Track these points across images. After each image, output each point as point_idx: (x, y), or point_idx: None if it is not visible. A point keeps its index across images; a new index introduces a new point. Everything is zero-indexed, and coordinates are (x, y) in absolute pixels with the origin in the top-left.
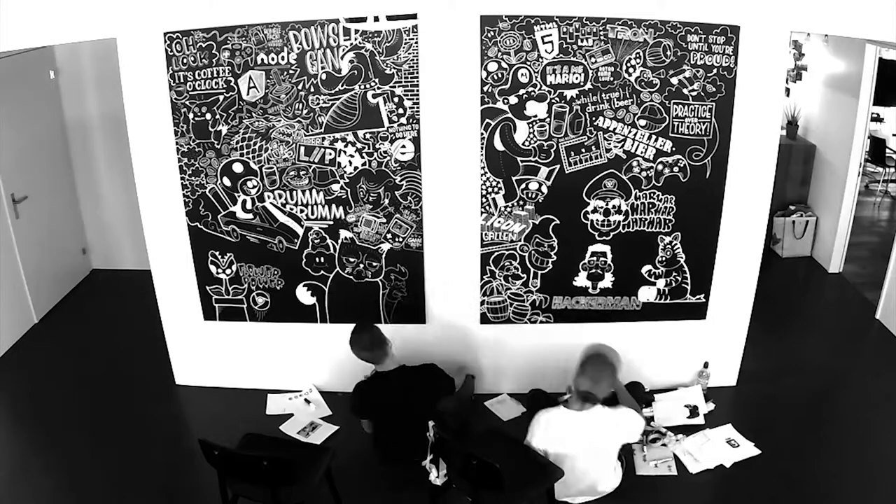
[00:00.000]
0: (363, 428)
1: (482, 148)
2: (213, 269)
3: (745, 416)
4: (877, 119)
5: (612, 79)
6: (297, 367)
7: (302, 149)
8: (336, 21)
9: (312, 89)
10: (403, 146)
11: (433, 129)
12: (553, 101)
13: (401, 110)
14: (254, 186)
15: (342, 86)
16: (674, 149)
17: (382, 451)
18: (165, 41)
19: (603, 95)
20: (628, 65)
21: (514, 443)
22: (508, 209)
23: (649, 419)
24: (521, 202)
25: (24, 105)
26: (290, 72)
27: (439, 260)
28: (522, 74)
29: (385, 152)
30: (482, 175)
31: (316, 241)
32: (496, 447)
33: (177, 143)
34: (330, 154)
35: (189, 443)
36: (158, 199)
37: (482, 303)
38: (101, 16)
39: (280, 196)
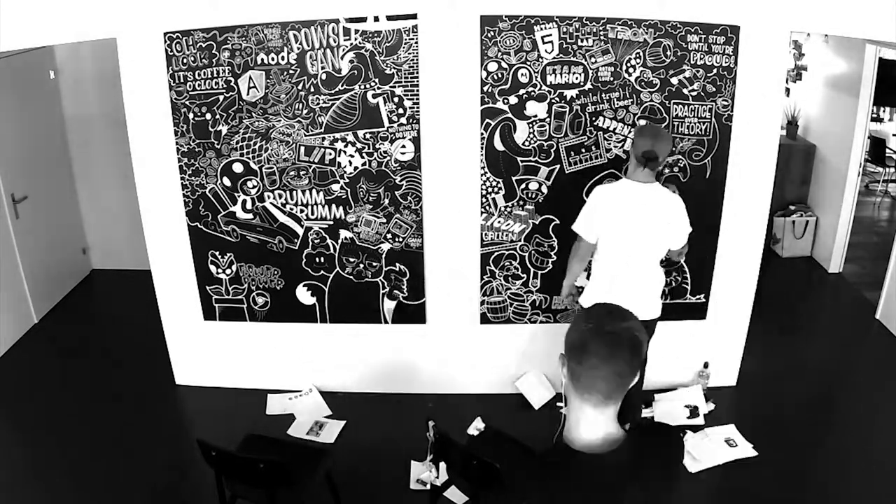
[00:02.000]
0: None
1: (482, 148)
2: (213, 269)
3: (745, 416)
4: (877, 119)
5: (612, 79)
6: (297, 367)
7: (302, 149)
8: (336, 21)
9: (312, 89)
10: (403, 146)
11: (433, 129)
12: (553, 101)
13: (401, 110)
14: (254, 186)
15: (342, 86)
16: (674, 149)
17: None
18: (165, 41)
19: (603, 95)
20: (628, 65)
21: (515, 442)
22: (508, 209)
23: (650, 419)
24: (521, 202)
25: (24, 105)
26: (290, 72)
27: (439, 260)
28: (522, 74)
29: (385, 152)
30: (482, 175)
31: (316, 241)
32: (496, 447)
33: (177, 143)
34: (330, 154)
35: (189, 443)
36: (158, 199)
37: (482, 303)
38: (101, 16)
39: (280, 196)
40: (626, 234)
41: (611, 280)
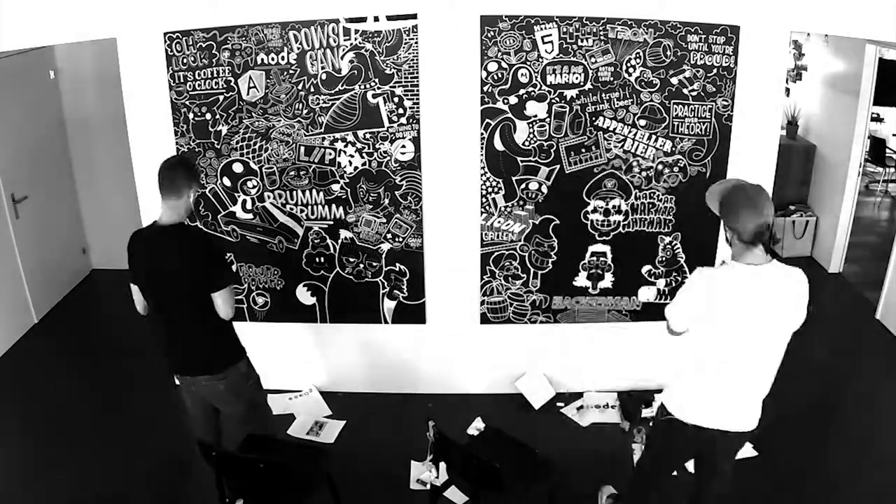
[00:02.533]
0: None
1: (482, 148)
2: None
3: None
4: (877, 119)
5: (612, 79)
6: (297, 367)
7: (302, 149)
8: (336, 21)
9: (312, 89)
10: (403, 146)
11: (433, 129)
12: (553, 101)
13: (401, 110)
14: (254, 186)
15: (342, 86)
16: (674, 149)
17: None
18: (165, 41)
19: (603, 95)
20: (628, 65)
21: (515, 442)
22: (508, 209)
23: (649, 419)
24: (521, 202)
25: (24, 105)
26: (290, 72)
27: (439, 260)
28: (522, 74)
29: (385, 152)
30: (482, 175)
31: (316, 241)
32: (496, 447)
33: (177, 143)
34: (330, 154)
35: (189, 443)
36: (158, 200)
37: (482, 303)
38: (101, 16)
39: (280, 196)
40: (747, 336)
41: (704, 380)
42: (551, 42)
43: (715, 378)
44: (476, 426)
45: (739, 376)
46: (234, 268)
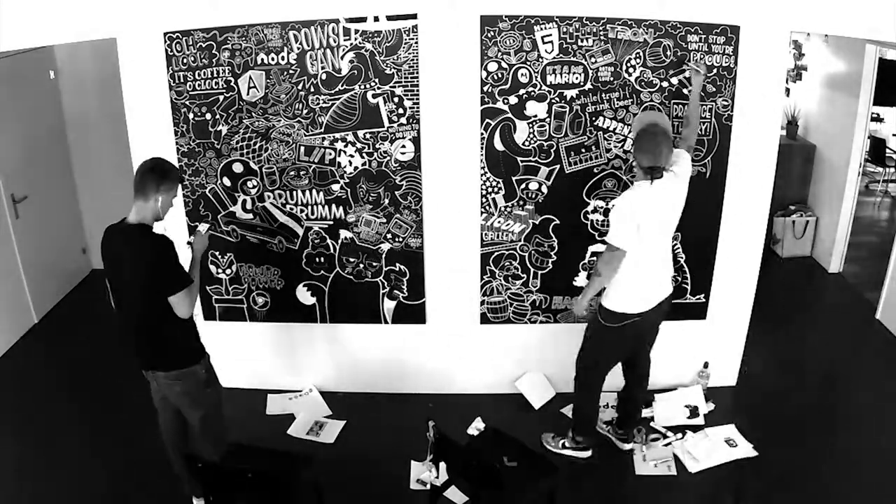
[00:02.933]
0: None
1: (482, 148)
2: (213, 269)
3: (745, 417)
4: (877, 119)
5: (612, 79)
6: (297, 367)
7: (302, 149)
8: (336, 21)
9: (312, 89)
10: (403, 146)
11: (433, 129)
12: (553, 101)
13: (401, 110)
14: (254, 186)
15: (342, 86)
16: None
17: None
18: (165, 41)
19: (603, 95)
20: (628, 65)
21: (515, 442)
22: (508, 209)
23: (649, 419)
24: (521, 202)
25: (24, 105)
26: (290, 72)
27: (439, 260)
28: (522, 74)
29: (385, 152)
30: (482, 175)
31: (316, 241)
32: (496, 447)
33: (177, 143)
34: (330, 154)
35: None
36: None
37: (482, 303)
38: (101, 16)
39: (280, 196)
40: (658, 232)
41: (637, 274)
42: (551, 42)
43: (644, 271)
44: (476, 426)
45: (660, 260)
46: (234, 268)
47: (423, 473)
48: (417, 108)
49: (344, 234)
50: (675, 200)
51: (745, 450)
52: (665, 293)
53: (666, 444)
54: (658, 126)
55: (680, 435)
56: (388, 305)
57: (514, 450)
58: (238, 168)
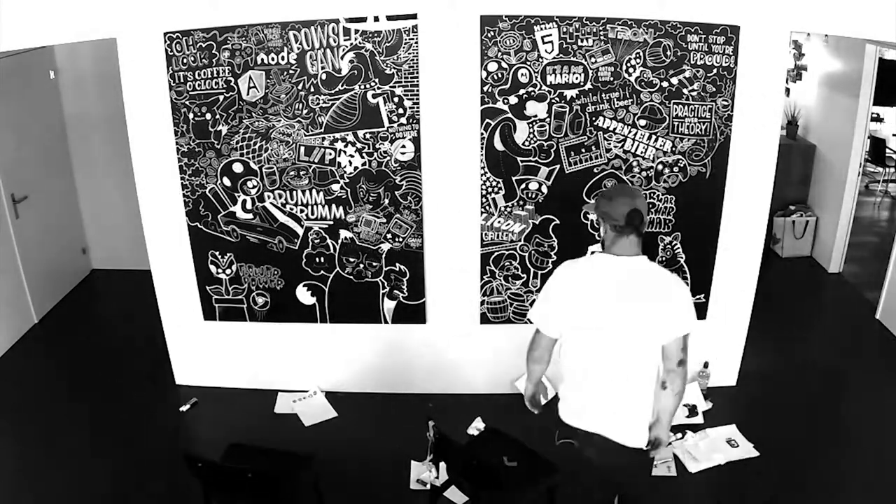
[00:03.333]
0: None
1: (482, 148)
2: (213, 269)
3: (745, 416)
4: (877, 119)
5: (612, 79)
6: (297, 367)
7: (302, 149)
8: (336, 21)
9: (312, 89)
10: (403, 146)
11: (433, 129)
12: (553, 101)
13: (401, 110)
14: (254, 186)
15: (342, 86)
16: (674, 149)
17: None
18: (165, 41)
19: (603, 95)
20: (628, 65)
21: (515, 443)
22: (508, 209)
23: None
24: (521, 202)
25: (24, 105)
26: (290, 72)
27: (439, 260)
28: (522, 74)
29: (385, 152)
30: (482, 175)
31: (316, 241)
32: (496, 447)
33: (177, 143)
34: (330, 154)
35: (189, 443)
36: (158, 199)
37: (482, 303)
38: (101, 16)
39: (280, 196)
40: (604, 327)
41: (581, 392)
42: (551, 42)
43: (583, 376)
44: (476, 426)
45: (613, 382)
46: (234, 268)
47: (423, 473)
48: (417, 108)
49: (344, 234)
50: (654, 300)
51: (746, 450)
52: (612, 430)
53: (667, 445)
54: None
55: (679, 435)
56: (388, 305)
57: (514, 450)
58: (238, 168)
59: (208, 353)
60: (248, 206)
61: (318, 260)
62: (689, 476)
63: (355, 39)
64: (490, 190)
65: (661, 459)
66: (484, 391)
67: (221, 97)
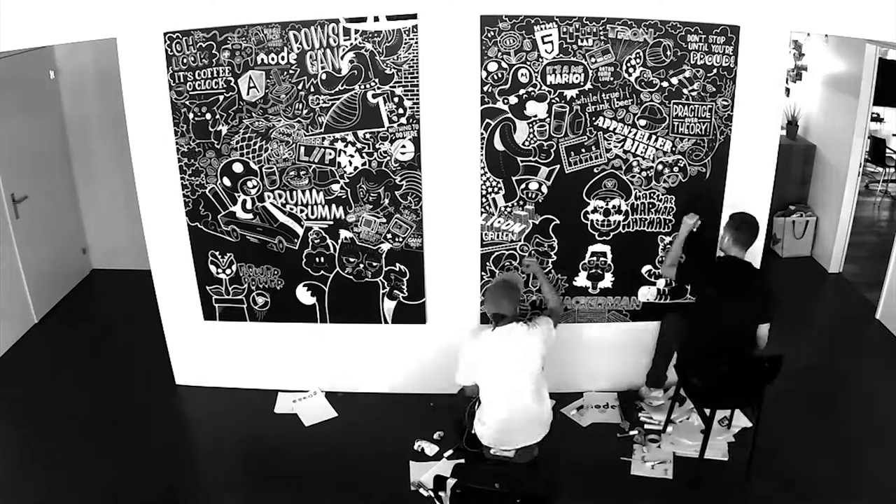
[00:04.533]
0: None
1: (482, 148)
2: (213, 269)
3: (744, 417)
4: (877, 119)
5: (612, 79)
6: (297, 367)
7: (302, 149)
8: (336, 21)
9: (312, 89)
10: (403, 146)
11: (433, 129)
12: (553, 101)
13: (401, 110)
14: (254, 186)
15: (342, 86)
16: (674, 149)
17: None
18: (165, 41)
19: (603, 95)
20: (628, 65)
21: (499, 466)
22: (508, 209)
23: (645, 421)
24: (521, 202)
25: (24, 105)
26: (290, 72)
27: (439, 260)
28: (522, 74)
29: (385, 152)
30: (482, 175)
31: (316, 241)
32: (483, 477)
33: (177, 143)
34: (330, 154)
35: (189, 443)
36: (158, 199)
37: (482, 303)
38: (101, 16)
39: (280, 196)
40: (507, 372)
41: (492, 411)
42: (551, 42)
43: (498, 409)
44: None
45: (519, 402)
46: (234, 268)
47: (422, 445)
48: (417, 108)
49: (344, 234)
50: (525, 347)
51: (740, 422)
52: (526, 440)
53: (659, 432)
54: (509, 282)
55: (670, 429)
56: (388, 305)
57: (500, 474)
58: (238, 168)
59: (208, 353)
60: (248, 206)
61: (318, 260)
62: (685, 477)
63: (355, 39)
64: (490, 190)
65: (659, 461)
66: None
67: (221, 97)
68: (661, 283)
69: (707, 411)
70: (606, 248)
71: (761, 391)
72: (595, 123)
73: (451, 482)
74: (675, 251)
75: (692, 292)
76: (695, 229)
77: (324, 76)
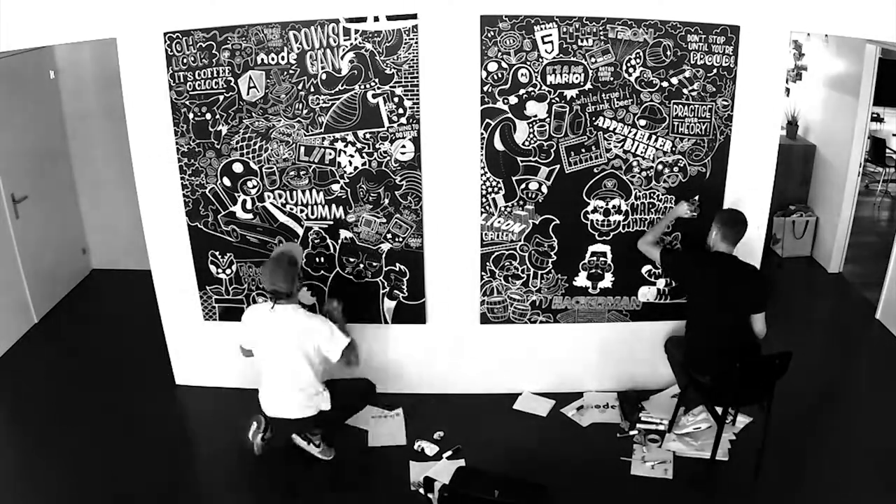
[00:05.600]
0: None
1: (482, 148)
2: (213, 269)
3: (745, 416)
4: (877, 119)
5: (612, 79)
6: None
7: (302, 149)
8: (336, 21)
9: (312, 89)
10: (403, 146)
11: (433, 129)
12: (553, 101)
13: (401, 110)
14: (254, 186)
15: (342, 86)
16: (674, 149)
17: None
18: (165, 41)
19: (603, 95)
20: (628, 65)
21: (499, 476)
22: (508, 209)
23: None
24: (521, 202)
25: (24, 105)
26: (290, 72)
27: (439, 260)
28: (522, 74)
29: (385, 152)
30: (482, 175)
31: (316, 241)
32: (482, 484)
33: (177, 143)
34: (330, 154)
35: (189, 443)
36: (158, 199)
37: (482, 303)
38: (101, 16)
39: (280, 196)
40: (265, 355)
41: (264, 378)
42: (551, 42)
43: (267, 377)
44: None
45: (284, 377)
46: (234, 267)
47: (422, 445)
48: (417, 108)
49: (344, 234)
50: (300, 329)
51: (740, 421)
52: (288, 412)
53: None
54: (284, 255)
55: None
56: (388, 305)
57: (500, 483)
58: (238, 168)
59: (208, 353)
60: (248, 206)
61: (318, 260)
62: (685, 477)
63: (355, 39)
64: (490, 190)
65: (660, 461)
66: (484, 391)
67: (221, 97)
68: (660, 282)
69: (719, 410)
70: (606, 248)
71: (772, 387)
72: (595, 123)
73: (438, 484)
74: (658, 230)
75: (681, 284)
76: (693, 214)
77: (324, 76)
